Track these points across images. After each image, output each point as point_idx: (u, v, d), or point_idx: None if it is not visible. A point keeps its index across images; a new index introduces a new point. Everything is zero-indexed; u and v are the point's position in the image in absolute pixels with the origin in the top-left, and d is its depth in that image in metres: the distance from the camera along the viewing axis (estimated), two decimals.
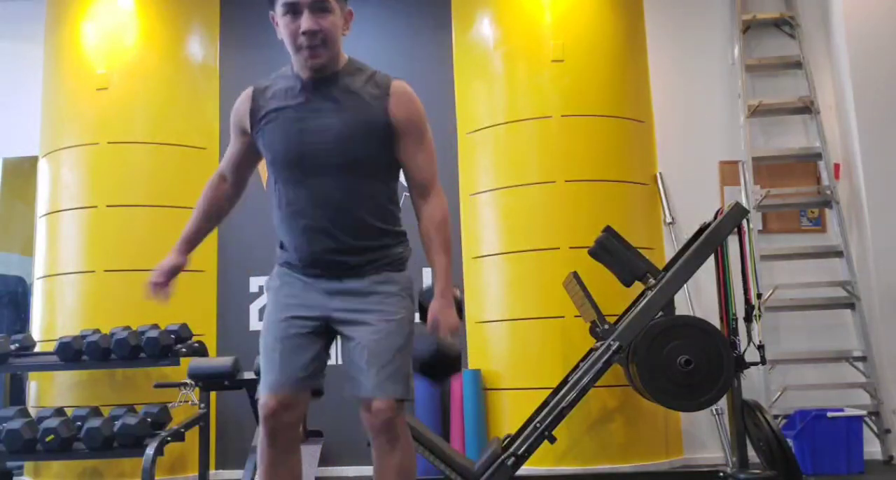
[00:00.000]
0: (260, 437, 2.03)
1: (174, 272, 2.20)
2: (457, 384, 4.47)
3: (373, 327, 1.96)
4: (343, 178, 1.97)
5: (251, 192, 4.87)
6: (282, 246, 2.11)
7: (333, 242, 1.99)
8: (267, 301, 2.11)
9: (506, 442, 3.52)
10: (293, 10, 1.87)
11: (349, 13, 2.00)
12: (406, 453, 1.99)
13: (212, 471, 4.46)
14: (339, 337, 2.05)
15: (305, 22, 1.85)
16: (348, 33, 1.98)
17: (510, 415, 4.32)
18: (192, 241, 2.22)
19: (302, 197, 1.99)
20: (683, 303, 4.39)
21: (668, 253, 4.56)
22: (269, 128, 2.00)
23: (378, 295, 1.99)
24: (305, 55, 1.90)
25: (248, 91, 2.09)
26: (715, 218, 3.71)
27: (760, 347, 3.66)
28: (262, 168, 5.28)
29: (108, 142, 4.71)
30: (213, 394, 4.24)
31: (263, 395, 1.99)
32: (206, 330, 4.73)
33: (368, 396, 1.94)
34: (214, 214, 2.20)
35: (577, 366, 3.77)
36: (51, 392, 4.54)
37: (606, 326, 3.67)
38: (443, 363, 2.08)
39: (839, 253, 4.62)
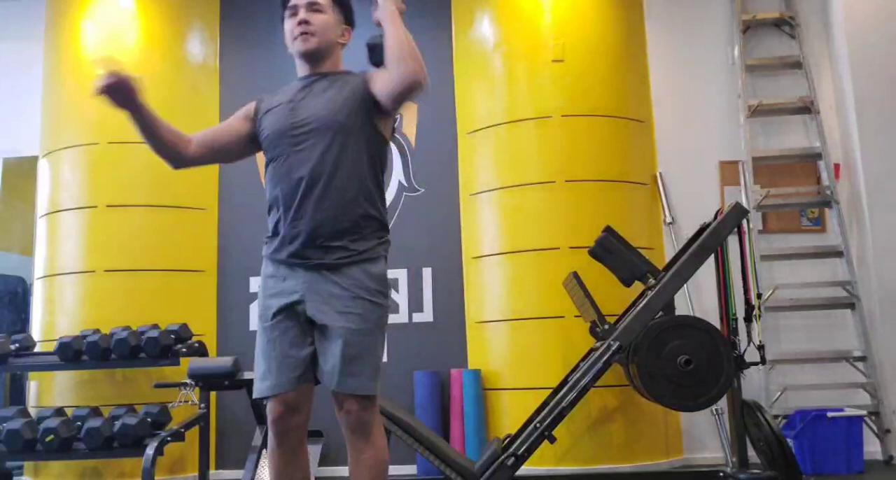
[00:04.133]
0: (268, 440, 2.10)
1: (127, 91, 2.16)
2: (457, 384, 4.48)
3: (345, 326, 2.02)
4: (328, 146, 2.07)
5: (251, 193, 4.92)
6: (269, 236, 2.17)
7: (316, 218, 2.04)
8: (257, 298, 2.19)
9: (506, 442, 3.52)
10: (293, 11, 2.19)
11: (346, 28, 2.27)
12: (378, 448, 2.07)
13: (212, 471, 4.46)
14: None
15: (301, 15, 2.17)
16: (345, 42, 2.25)
17: (510, 415, 4.32)
18: (139, 112, 2.22)
19: (289, 169, 2.08)
20: (683, 303, 4.39)
21: (668, 253, 4.56)
22: (267, 115, 2.19)
23: (353, 293, 2.05)
24: (299, 41, 2.16)
25: (255, 99, 2.30)
26: (715, 218, 3.71)
27: (760, 347, 3.66)
28: (262, 165, 5.29)
29: (108, 142, 4.70)
30: (213, 394, 4.25)
31: (269, 401, 2.07)
32: (206, 330, 4.73)
33: (335, 390, 2.03)
34: (163, 141, 2.21)
35: (577, 366, 3.77)
36: (51, 392, 4.54)
37: (606, 326, 3.67)
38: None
39: (839, 253, 4.62)
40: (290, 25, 2.20)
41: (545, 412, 3.43)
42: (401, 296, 4.79)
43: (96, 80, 2.07)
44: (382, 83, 2.06)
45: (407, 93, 2.02)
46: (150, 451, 3.71)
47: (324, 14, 2.20)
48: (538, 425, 3.39)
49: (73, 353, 4.17)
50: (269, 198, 2.14)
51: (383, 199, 2.17)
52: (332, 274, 2.05)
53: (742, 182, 4.67)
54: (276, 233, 2.12)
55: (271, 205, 2.14)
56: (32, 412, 4.28)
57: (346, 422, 2.06)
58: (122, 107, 2.13)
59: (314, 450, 4.28)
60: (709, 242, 3.57)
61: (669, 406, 3.63)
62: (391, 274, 2.58)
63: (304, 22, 2.16)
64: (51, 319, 4.65)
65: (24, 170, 5.36)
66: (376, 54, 2.15)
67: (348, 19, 2.29)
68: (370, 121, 2.12)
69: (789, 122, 4.94)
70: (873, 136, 4.61)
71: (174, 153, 2.21)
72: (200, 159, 2.23)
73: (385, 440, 2.13)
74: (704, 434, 4.53)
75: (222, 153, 2.26)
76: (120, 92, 2.11)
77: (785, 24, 5.01)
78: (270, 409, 2.07)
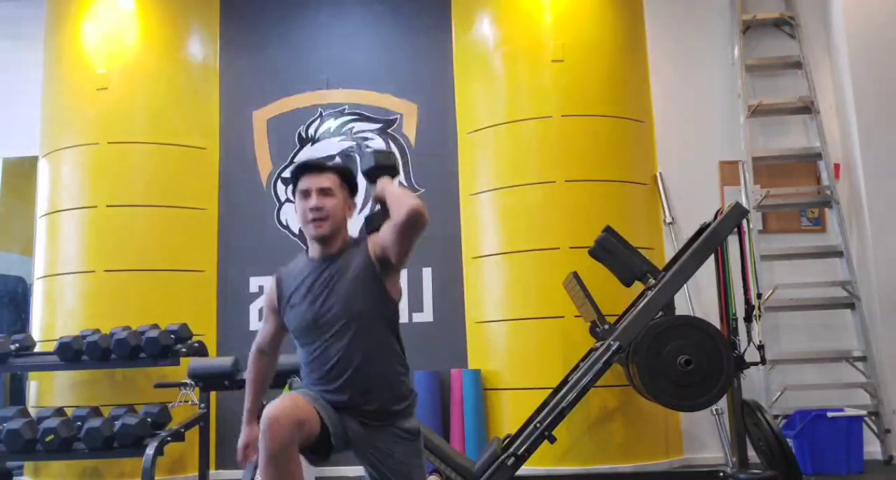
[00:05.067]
0: (260, 453, 2.08)
1: (255, 442, 2.31)
2: (457, 384, 4.48)
3: (390, 474, 2.23)
4: (352, 336, 2.22)
5: (251, 193, 4.91)
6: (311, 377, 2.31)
7: (355, 395, 2.21)
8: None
9: (506, 442, 3.52)
10: (305, 195, 2.29)
11: (353, 204, 2.38)
12: None
13: (212, 471, 4.46)
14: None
15: (313, 201, 2.27)
16: (351, 217, 2.35)
17: (510, 415, 4.32)
18: (256, 411, 2.38)
19: (322, 359, 2.23)
20: (683, 303, 4.39)
21: (668, 253, 4.56)
22: (290, 306, 2.31)
23: (394, 451, 2.25)
24: (312, 226, 2.27)
25: (274, 279, 2.39)
26: (715, 218, 3.71)
27: (760, 347, 3.66)
28: (262, 165, 5.26)
29: (108, 142, 4.71)
30: (213, 394, 4.24)
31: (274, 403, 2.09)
32: (206, 330, 4.73)
33: None
34: (265, 383, 2.46)
35: (577, 366, 3.77)
36: (51, 392, 4.54)
37: (606, 326, 3.67)
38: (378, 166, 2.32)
39: (839, 253, 4.62)
40: (302, 207, 2.28)
41: (545, 412, 3.43)
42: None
43: (241, 457, 2.35)
44: (386, 230, 2.19)
45: (410, 223, 2.12)
46: (150, 451, 3.71)
47: (334, 198, 2.28)
48: (538, 425, 3.39)
49: (73, 353, 4.17)
50: (306, 367, 2.30)
51: (404, 356, 2.34)
52: (373, 428, 2.24)
53: (742, 182, 4.67)
54: (317, 379, 2.26)
55: (310, 372, 2.28)
56: (32, 412, 4.28)
57: None
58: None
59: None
60: (709, 242, 3.57)
61: (669, 406, 3.63)
62: None
63: (317, 208, 2.25)
64: (51, 319, 4.65)
65: (24, 170, 5.37)
66: (374, 223, 2.30)
67: (353, 192, 2.38)
68: (382, 289, 2.26)
69: (789, 122, 4.94)
70: (873, 136, 4.61)
71: (271, 371, 2.47)
72: (278, 351, 2.45)
73: None
74: (704, 434, 4.53)
75: (282, 339, 2.43)
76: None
77: (785, 24, 5.01)
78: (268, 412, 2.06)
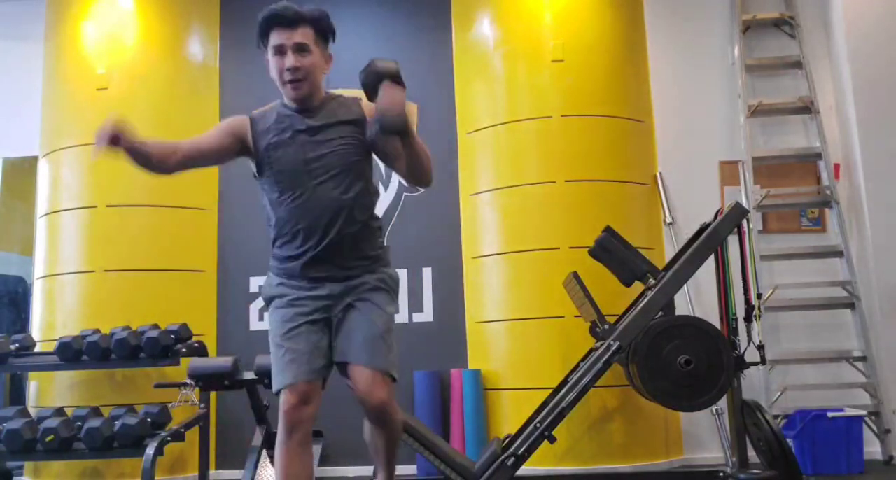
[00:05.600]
0: (278, 433, 2.16)
1: (124, 143, 2.10)
2: (457, 384, 4.48)
3: (367, 315, 2.21)
4: (345, 183, 2.22)
5: (251, 193, 4.90)
6: (278, 259, 2.28)
7: (341, 247, 2.21)
8: (270, 310, 2.28)
9: (506, 442, 3.52)
10: (280, 52, 2.18)
11: (329, 56, 2.30)
12: (397, 427, 2.29)
13: (212, 471, 4.47)
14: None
15: (289, 60, 2.16)
16: (328, 72, 2.28)
17: (510, 415, 4.32)
18: (135, 151, 2.14)
19: (310, 206, 2.20)
20: (683, 303, 4.39)
21: (668, 253, 4.56)
22: (275, 147, 2.23)
23: (378, 285, 2.26)
24: (289, 88, 2.21)
25: (246, 118, 2.30)
26: (715, 218, 3.71)
27: (760, 347, 3.66)
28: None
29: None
30: (213, 394, 4.25)
31: (283, 392, 2.14)
32: (206, 330, 4.73)
33: (365, 365, 2.15)
34: (153, 165, 2.20)
35: (577, 366, 3.77)
36: (51, 392, 4.54)
37: (606, 326, 3.67)
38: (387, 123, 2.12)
39: (839, 253, 4.62)
40: (276, 66, 2.20)
41: (545, 412, 3.43)
42: (401, 296, 4.78)
43: (97, 143, 2.09)
44: (391, 152, 2.21)
45: (416, 181, 2.27)
46: (150, 451, 3.71)
47: (311, 55, 2.20)
48: (538, 425, 3.39)
49: (73, 353, 4.17)
50: (282, 226, 2.23)
51: (379, 221, 2.38)
52: (357, 279, 2.24)
53: (742, 182, 4.66)
54: (291, 256, 2.23)
55: (285, 233, 2.23)
56: (32, 412, 4.28)
57: (370, 408, 2.17)
58: (117, 150, 2.12)
59: (314, 450, 4.27)
60: (709, 242, 3.57)
61: (669, 406, 3.63)
62: None
63: (294, 68, 2.17)
64: (51, 319, 4.65)
65: (24, 170, 5.37)
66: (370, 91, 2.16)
67: (327, 43, 2.29)
68: (367, 149, 2.28)
69: (789, 122, 4.94)
70: (873, 136, 4.61)
71: (158, 171, 2.23)
72: (179, 170, 2.25)
73: (400, 418, 2.30)
74: (704, 434, 4.53)
75: (202, 165, 2.33)
76: (115, 140, 2.10)
77: (785, 24, 5.01)
78: (283, 400, 2.14)
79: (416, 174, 2.22)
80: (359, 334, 2.17)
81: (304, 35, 2.17)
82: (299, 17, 2.18)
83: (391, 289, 2.30)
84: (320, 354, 2.18)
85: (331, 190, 2.20)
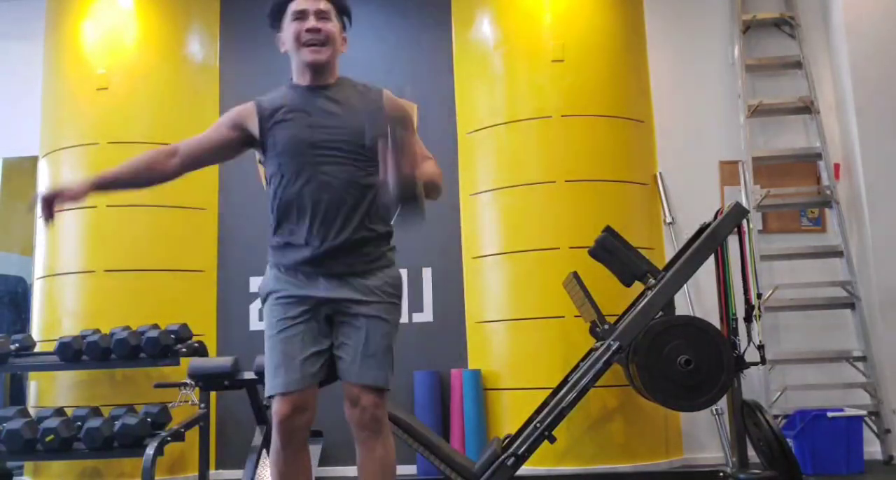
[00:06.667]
0: (273, 441, 2.09)
1: (68, 198, 2.11)
2: (457, 384, 4.48)
3: (368, 321, 2.10)
4: (346, 166, 2.10)
5: (251, 193, 4.91)
6: (281, 244, 2.16)
7: (340, 236, 2.09)
8: (266, 306, 2.18)
9: (506, 442, 3.52)
10: (301, 16, 2.12)
11: (345, 38, 2.23)
12: (389, 445, 2.14)
13: (212, 471, 4.46)
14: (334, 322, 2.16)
15: (311, 22, 2.10)
16: (344, 51, 2.22)
17: (510, 415, 4.32)
18: (104, 186, 2.17)
19: (312, 190, 2.09)
20: (683, 303, 4.39)
21: (668, 253, 4.56)
22: (281, 126, 2.13)
23: (375, 294, 2.14)
24: (308, 51, 2.11)
25: (251, 104, 2.23)
26: (715, 218, 3.71)
27: (760, 347, 3.66)
28: (261, 169, 5.26)
29: (108, 142, 4.71)
30: (213, 394, 4.24)
31: (275, 399, 2.06)
32: (206, 330, 4.73)
33: (354, 382, 2.07)
34: (143, 179, 2.19)
35: (577, 366, 3.77)
36: (51, 392, 4.54)
37: (606, 326, 3.67)
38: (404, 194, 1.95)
39: (839, 253, 4.62)
40: (295, 29, 2.13)
41: (545, 412, 3.43)
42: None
43: (43, 216, 2.08)
44: (411, 157, 1.90)
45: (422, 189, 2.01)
46: (150, 451, 3.71)
47: (331, 23, 2.16)
48: (538, 425, 3.39)
49: (73, 353, 4.17)
50: (284, 210, 2.13)
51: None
52: (354, 279, 2.12)
53: (742, 182, 4.66)
54: (291, 244, 2.13)
55: (287, 217, 2.13)
56: (32, 412, 4.28)
57: (359, 418, 2.09)
58: (77, 200, 2.11)
59: (314, 450, 4.28)
60: (709, 242, 3.57)
61: (669, 406, 3.62)
62: None
63: (316, 29, 2.11)
64: (51, 319, 4.65)
65: (24, 170, 5.36)
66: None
67: (346, 25, 2.25)
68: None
69: (789, 122, 4.94)
70: (873, 136, 4.61)
71: (159, 179, 2.20)
72: (186, 169, 2.22)
73: (392, 438, 2.17)
74: (704, 434, 4.53)
75: (207, 162, 2.28)
76: (62, 199, 2.09)
77: (785, 24, 5.00)
78: (276, 411, 2.06)
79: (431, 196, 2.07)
80: (359, 350, 2.08)
81: (326, 4, 2.15)
82: None
83: (395, 296, 2.18)
84: (316, 358, 2.08)
85: (337, 175, 2.08)
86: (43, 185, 4.91)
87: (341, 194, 2.09)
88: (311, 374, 2.07)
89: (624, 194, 4.58)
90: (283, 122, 2.13)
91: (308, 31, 2.10)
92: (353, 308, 2.10)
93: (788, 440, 3.71)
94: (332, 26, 2.15)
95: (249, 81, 5.06)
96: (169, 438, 3.84)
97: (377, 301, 2.12)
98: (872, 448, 4.34)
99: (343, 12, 2.21)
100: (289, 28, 2.16)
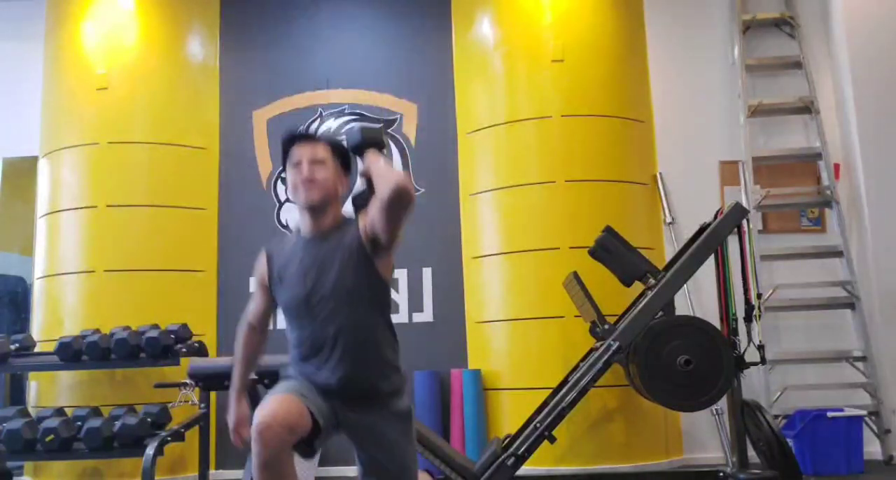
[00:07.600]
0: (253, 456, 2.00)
1: (242, 419, 2.30)
2: (457, 384, 4.48)
3: (383, 456, 2.17)
4: (345, 313, 2.16)
5: (251, 193, 4.91)
6: (297, 366, 2.25)
7: (345, 374, 2.15)
8: (281, 380, 2.24)
9: (506, 442, 3.52)
10: (297, 165, 2.21)
11: (346, 179, 2.30)
12: None
13: (212, 471, 4.46)
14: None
15: (304, 171, 2.19)
16: (344, 192, 2.27)
17: (510, 415, 4.32)
18: (244, 389, 2.41)
19: (313, 335, 2.18)
20: (683, 303, 4.39)
21: (668, 253, 4.56)
22: (283, 287, 2.25)
23: (386, 432, 2.18)
24: (302, 191, 2.19)
25: (264, 254, 2.33)
26: (715, 218, 3.71)
27: (760, 347, 3.66)
28: (262, 165, 5.27)
29: (108, 142, 4.71)
30: (213, 394, 4.24)
31: (263, 403, 2.01)
32: (206, 330, 4.73)
33: None
34: (253, 360, 2.44)
35: (577, 366, 3.77)
36: (51, 392, 4.54)
37: (606, 326, 3.67)
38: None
39: (839, 254, 4.62)
40: (293, 179, 2.21)
41: (545, 412, 3.43)
42: (401, 296, 4.79)
43: (234, 436, 2.29)
44: (373, 208, 2.09)
45: (395, 199, 2.00)
46: (150, 451, 3.71)
47: (326, 168, 2.22)
48: (538, 425, 3.39)
49: (73, 353, 4.16)
50: (296, 346, 2.24)
51: (395, 337, 2.27)
52: (363, 410, 2.17)
53: (742, 182, 4.66)
54: (311, 370, 2.20)
55: (300, 352, 2.23)
56: (32, 412, 4.28)
57: None
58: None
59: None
60: (709, 242, 3.57)
61: (669, 406, 3.63)
62: None
63: (310, 180, 2.19)
64: (51, 319, 4.65)
65: (24, 170, 5.36)
66: (361, 200, 2.22)
67: (346, 167, 2.30)
68: (373, 270, 2.17)
69: (789, 122, 4.94)
70: (873, 136, 4.61)
71: (262, 348, 2.44)
72: (267, 328, 2.42)
73: None
74: (704, 434, 4.53)
75: (272, 316, 2.43)
76: (242, 423, 2.29)
77: (785, 24, 5.01)
78: (259, 415, 1.96)
79: (385, 177, 2.09)
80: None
81: (321, 150, 2.22)
82: (317, 136, 2.30)
83: (410, 429, 2.24)
84: (328, 416, 2.10)
85: (334, 322, 2.16)
86: (43, 186, 4.91)
87: (338, 339, 2.15)
88: (318, 407, 2.07)
89: (624, 194, 4.58)
90: (285, 282, 2.23)
91: (303, 181, 2.19)
92: (367, 442, 2.18)
93: (788, 440, 3.71)
94: (327, 173, 2.21)
95: (249, 81, 5.07)
96: (169, 438, 3.84)
97: (391, 434, 2.18)
98: (872, 448, 4.34)
99: (339, 155, 2.27)
100: (288, 175, 2.25)
